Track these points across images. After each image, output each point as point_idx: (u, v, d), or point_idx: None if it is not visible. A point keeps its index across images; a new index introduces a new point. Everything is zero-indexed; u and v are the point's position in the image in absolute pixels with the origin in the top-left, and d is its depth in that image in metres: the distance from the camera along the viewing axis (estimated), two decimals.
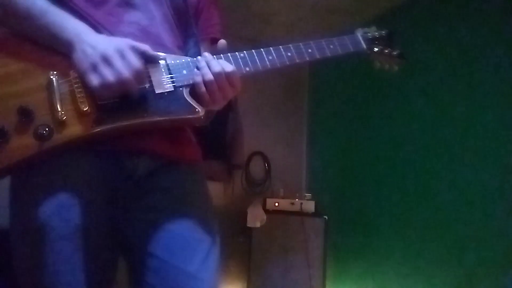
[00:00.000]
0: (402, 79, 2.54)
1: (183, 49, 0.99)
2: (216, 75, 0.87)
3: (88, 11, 0.85)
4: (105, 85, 0.78)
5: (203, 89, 0.87)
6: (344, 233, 2.88)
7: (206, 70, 0.87)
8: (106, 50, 0.79)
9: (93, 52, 0.78)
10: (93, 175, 0.82)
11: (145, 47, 0.84)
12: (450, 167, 2.21)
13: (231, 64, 0.90)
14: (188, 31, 1.02)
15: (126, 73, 0.79)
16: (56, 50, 0.81)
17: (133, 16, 0.90)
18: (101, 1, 0.88)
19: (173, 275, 0.85)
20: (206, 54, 0.90)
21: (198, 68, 0.89)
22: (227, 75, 0.88)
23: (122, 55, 0.79)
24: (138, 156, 0.86)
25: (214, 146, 2.81)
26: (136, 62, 0.81)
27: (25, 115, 0.75)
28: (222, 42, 0.94)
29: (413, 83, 2.51)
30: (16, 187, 0.81)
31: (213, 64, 0.88)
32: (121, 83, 0.79)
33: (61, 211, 0.77)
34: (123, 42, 0.81)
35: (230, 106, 2.79)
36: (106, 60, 0.78)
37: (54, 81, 0.78)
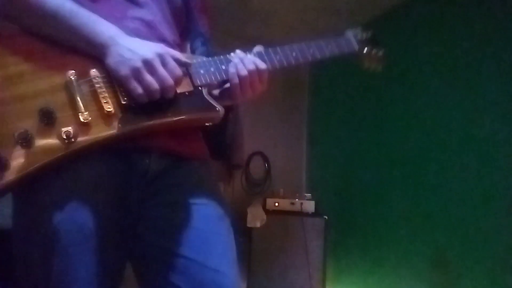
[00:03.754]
0: (402, 79, 2.54)
1: (181, 47, 1.00)
2: (250, 71, 0.91)
3: (92, 7, 0.84)
4: (149, 93, 0.78)
5: (236, 80, 0.91)
6: (344, 233, 2.88)
7: (241, 66, 0.91)
8: (146, 54, 0.78)
9: (132, 56, 0.78)
10: (105, 177, 0.80)
11: (178, 54, 0.86)
12: (450, 166, 2.21)
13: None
14: (193, 30, 1.04)
15: (170, 79, 0.80)
16: (70, 49, 0.80)
17: (137, 12, 0.90)
18: None
19: (195, 270, 0.83)
20: (238, 51, 0.94)
21: (223, 65, 0.92)
22: (260, 72, 0.92)
23: (163, 60, 0.80)
24: (149, 156, 0.86)
25: (214, 146, 2.80)
26: (177, 68, 0.83)
27: (47, 117, 0.73)
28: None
29: (413, 83, 2.51)
30: (23, 193, 0.79)
31: (247, 61, 0.91)
32: (164, 90, 0.80)
33: (73, 216, 0.75)
34: (161, 47, 0.82)
35: (230, 106, 2.79)
36: (148, 64, 0.78)
37: (74, 81, 0.76)
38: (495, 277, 1.90)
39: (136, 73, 0.78)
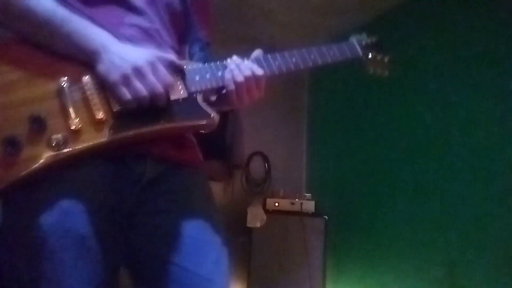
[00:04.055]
0: (402, 79, 2.54)
1: (180, 53, 0.99)
2: (247, 77, 0.89)
3: (88, 13, 0.84)
4: (138, 99, 0.78)
5: (232, 86, 0.89)
6: (344, 233, 2.88)
7: (237, 72, 0.89)
8: (136, 62, 0.78)
9: (122, 63, 0.77)
10: (98, 182, 0.79)
11: (171, 57, 0.85)
12: (450, 166, 2.21)
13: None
14: (192, 35, 1.03)
15: (159, 87, 0.79)
16: (64, 56, 0.79)
17: (134, 19, 0.89)
18: (100, 3, 0.87)
19: (187, 279, 0.83)
20: (235, 57, 0.92)
21: (219, 71, 0.91)
22: (256, 78, 0.90)
23: (154, 68, 0.79)
24: (145, 161, 0.85)
25: (214, 146, 2.80)
26: (167, 75, 0.82)
27: (37, 123, 0.73)
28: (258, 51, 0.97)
29: (413, 83, 2.51)
30: (11, 198, 0.77)
31: (243, 67, 0.90)
32: (153, 96, 0.79)
33: (64, 220, 0.74)
34: (152, 53, 0.81)
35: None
36: (138, 72, 0.78)
37: (66, 88, 0.76)
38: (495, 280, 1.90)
39: (125, 80, 0.77)
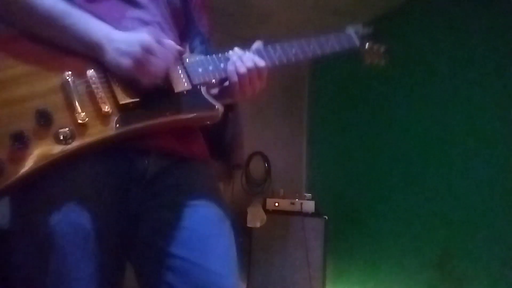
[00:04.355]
0: (402, 80, 2.54)
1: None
2: (249, 69, 0.90)
3: (89, 8, 0.84)
4: (159, 74, 0.80)
5: (235, 78, 0.90)
6: (344, 233, 2.88)
7: (239, 64, 0.90)
8: (141, 40, 0.78)
9: (129, 46, 0.78)
10: (103, 178, 0.80)
11: (169, 40, 0.86)
12: (450, 167, 2.21)
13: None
14: (192, 30, 1.04)
15: (171, 56, 0.83)
16: (67, 51, 0.79)
17: (136, 13, 0.90)
18: None
19: (194, 272, 0.82)
20: (237, 49, 0.93)
21: (222, 63, 0.92)
22: (259, 69, 0.91)
23: (159, 40, 0.81)
24: (148, 155, 0.86)
25: (214, 146, 2.80)
26: (172, 43, 0.84)
27: (43, 118, 0.73)
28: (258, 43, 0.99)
29: (413, 83, 2.51)
30: (19, 194, 0.77)
31: (245, 59, 0.91)
32: (168, 67, 0.83)
33: (71, 217, 0.74)
34: (152, 30, 0.82)
35: (230, 106, 2.79)
36: (148, 48, 0.78)
37: (70, 82, 0.76)
38: (498, 280, 1.89)
39: (139, 60, 0.78)
